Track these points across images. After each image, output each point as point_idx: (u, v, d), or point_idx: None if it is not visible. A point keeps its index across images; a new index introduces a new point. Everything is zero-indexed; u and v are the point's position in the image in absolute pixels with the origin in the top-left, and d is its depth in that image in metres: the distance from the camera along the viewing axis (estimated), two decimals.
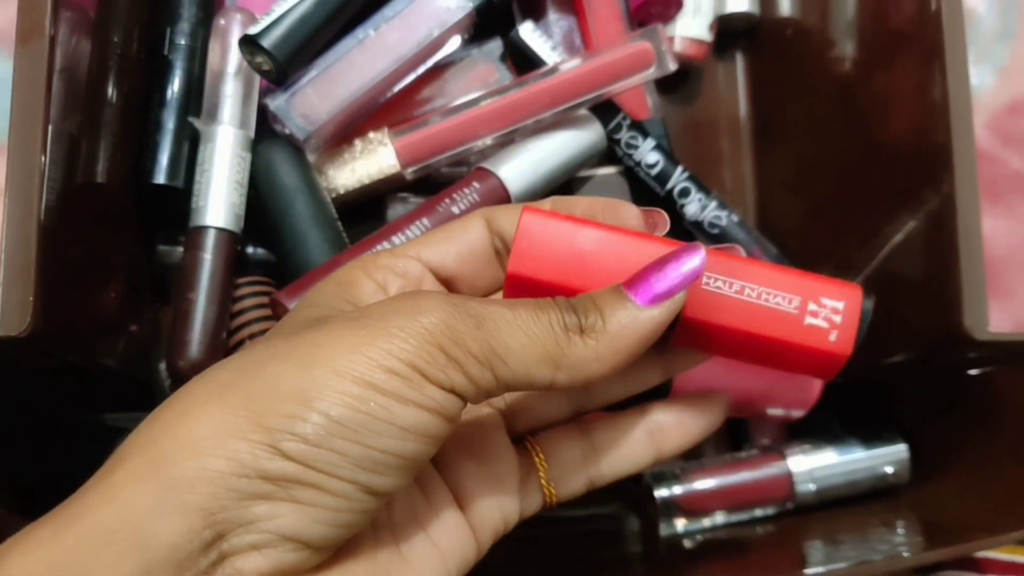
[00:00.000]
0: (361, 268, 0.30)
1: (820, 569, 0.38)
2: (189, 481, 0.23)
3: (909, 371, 0.44)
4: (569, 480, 0.31)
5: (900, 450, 0.44)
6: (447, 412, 0.25)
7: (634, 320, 0.26)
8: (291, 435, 0.23)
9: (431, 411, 0.24)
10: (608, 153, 0.47)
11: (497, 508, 0.30)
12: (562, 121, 0.45)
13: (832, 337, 0.27)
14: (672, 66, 0.43)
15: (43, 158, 0.34)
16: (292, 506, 0.24)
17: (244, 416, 0.23)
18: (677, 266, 0.26)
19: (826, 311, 0.27)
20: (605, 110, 0.46)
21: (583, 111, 0.46)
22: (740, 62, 0.54)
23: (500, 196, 0.42)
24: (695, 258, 0.26)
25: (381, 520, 0.28)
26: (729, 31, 0.53)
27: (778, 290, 0.27)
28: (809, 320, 0.27)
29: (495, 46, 0.47)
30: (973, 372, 0.41)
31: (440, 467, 0.30)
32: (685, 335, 0.28)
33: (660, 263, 0.26)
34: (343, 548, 0.26)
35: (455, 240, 0.30)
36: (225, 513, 0.23)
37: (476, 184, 0.42)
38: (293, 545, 0.24)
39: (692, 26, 0.50)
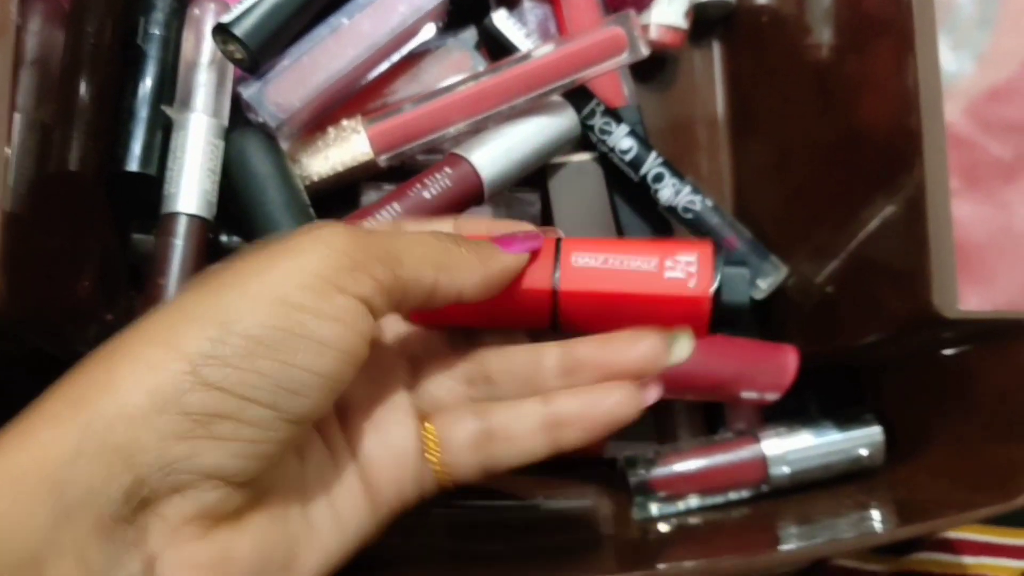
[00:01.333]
0: None
1: (793, 547, 0.38)
2: (107, 421, 0.23)
3: (885, 353, 0.44)
4: (462, 465, 0.31)
5: (875, 432, 0.44)
6: (358, 324, 0.26)
7: (499, 256, 0.31)
8: (212, 358, 0.24)
9: (344, 323, 0.26)
10: (582, 140, 0.47)
11: (396, 485, 0.31)
12: (535, 108, 0.45)
13: (691, 284, 0.31)
14: (645, 51, 0.43)
15: (6, 148, 0.34)
16: (211, 443, 0.24)
17: (163, 346, 0.24)
18: (525, 237, 0.32)
19: (681, 265, 0.31)
20: (579, 96, 0.46)
21: (556, 98, 0.46)
22: (716, 50, 0.54)
23: (472, 182, 0.43)
24: (537, 239, 0.32)
25: (291, 481, 0.28)
26: (705, 19, 0.53)
27: (637, 255, 0.31)
28: (668, 274, 0.31)
29: (470, 35, 0.48)
30: (947, 352, 0.41)
31: (348, 438, 0.31)
32: (569, 314, 0.32)
33: (515, 234, 0.32)
34: (256, 504, 0.26)
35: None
36: (144, 455, 0.23)
37: (448, 170, 0.43)
38: (214, 483, 0.24)
39: (668, 13, 0.50)
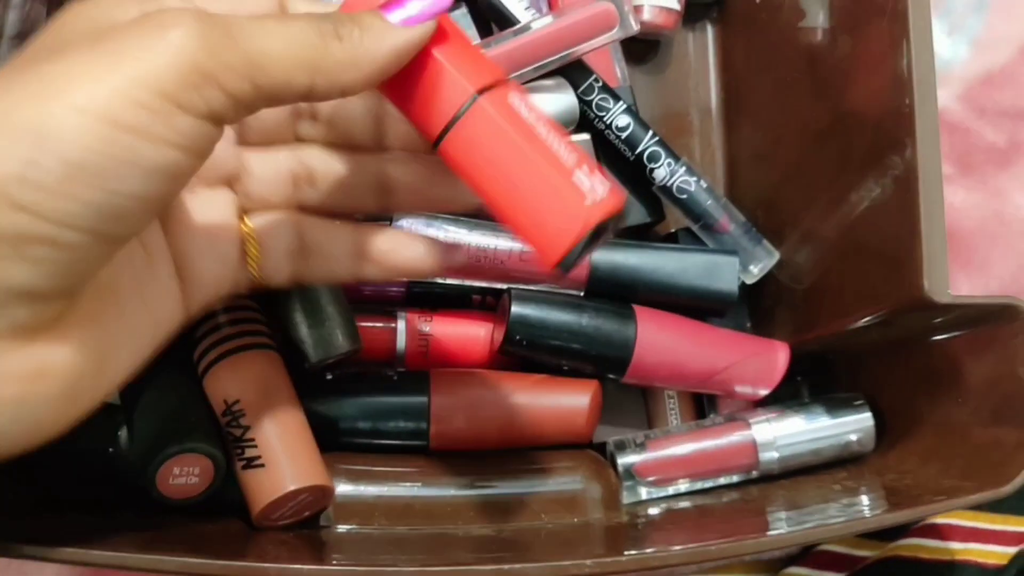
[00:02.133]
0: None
1: (782, 531, 0.38)
2: None
3: (875, 338, 0.44)
4: (276, 272, 0.33)
5: (865, 418, 0.44)
6: (198, 146, 0.24)
7: (389, 33, 0.26)
8: (22, 181, 0.22)
9: (181, 148, 0.23)
10: (578, 122, 0.47)
11: (213, 286, 0.31)
12: (535, 87, 0.45)
13: (588, 201, 0.27)
14: (635, 27, 0.43)
15: None
16: (22, 263, 0.22)
17: None
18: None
19: (593, 183, 0.28)
20: (577, 71, 0.46)
21: (558, 78, 0.45)
22: (710, 32, 0.54)
23: None
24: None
25: (105, 286, 0.27)
26: (699, 1, 0.53)
27: (565, 147, 0.28)
28: (577, 177, 0.28)
29: (460, 13, 0.47)
30: (938, 338, 0.41)
31: (168, 238, 0.30)
32: (457, 143, 0.28)
33: None
34: (70, 313, 0.25)
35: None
36: None
37: None
38: (26, 300, 0.23)
39: None
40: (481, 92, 0.28)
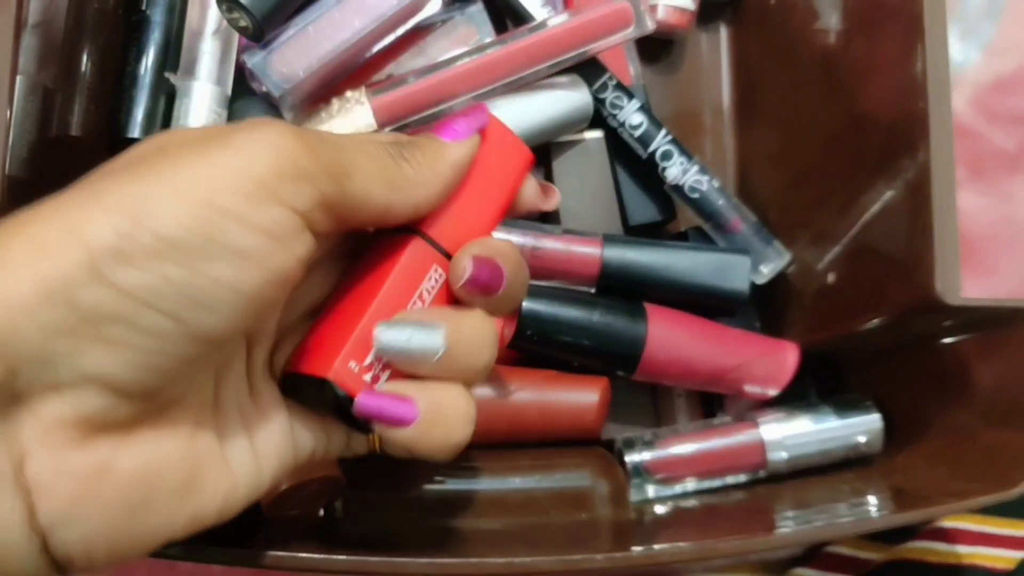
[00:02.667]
0: None
1: (789, 530, 0.38)
2: None
3: (885, 340, 0.44)
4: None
5: (874, 420, 0.44)
6: (292, 242, 0.24)
7: (445, 150, 0.29)
8: (114, 253, 0.21)
9: (276, 238, 0.23)
10: (592, 120, 0.47)
11: (324, 441, 0.30)
12: (549, 83, 0.45)
13: (330, 372, 0.27)
14: (651, 25, 0.43)
15: (8, 112, 0.34)
16: (99, 344, 0.22)
17: (64, 230, 0.22)
18: (468, 115, 0.30)
19: (361, 371, 0.28)
20: (592, 69, 0.46)
21: (571, 75, 0.46)
22: (724, 33, 0.54)
23: None
24: (482, 111, 0.31)
25: (203, 402, 0.26)
26: (713, 1, 0.53)
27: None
28: (354, 350, 0.28)
29: (476, 9, 0.47)
30: (947, 341, 0.41)
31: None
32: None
33: (456, 115, 0.30)
34: (154, 418, 0.24)
35: None
36: (21, 344, 0.21)
37: None
38: (97, 388, 0.22)
39: None
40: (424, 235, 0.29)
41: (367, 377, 0.28)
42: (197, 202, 0.22)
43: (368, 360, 0.28)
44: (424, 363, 0.28)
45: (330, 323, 0.29)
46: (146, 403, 0.24)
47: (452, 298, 0.30)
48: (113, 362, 0.22)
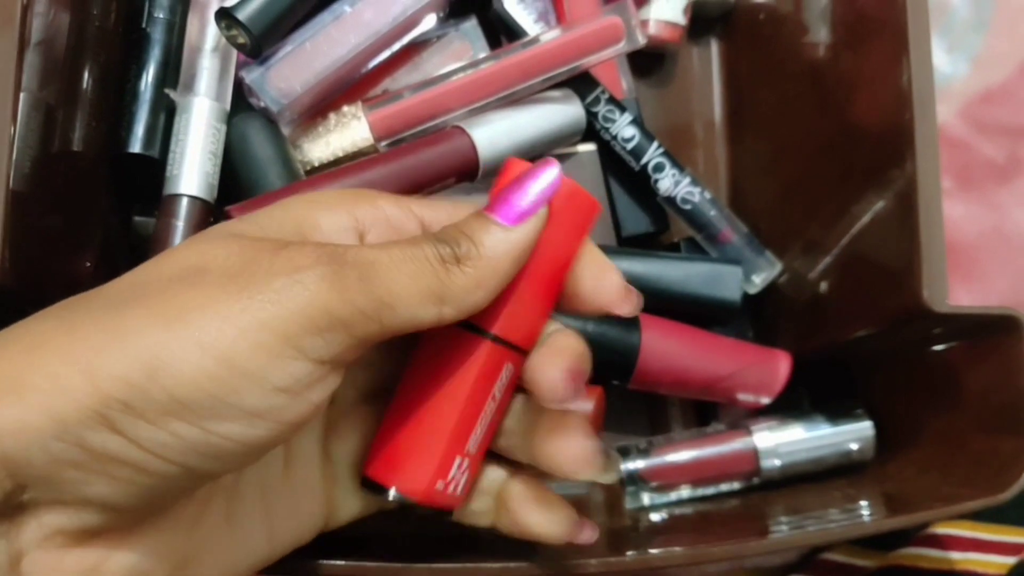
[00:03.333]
0: (338, 201, 0.27)
1: (782, 534, 0.38)
2: (1, 429, 0.21)
3: (875, 348, 0.44)
4: None
5: (866, 427, 0.44)
6: (310, 394, 0.23)
7: (505, 241, 0.25)
8: (126, 407, 0.21)
9: (292, 394, 0.23)
10: (584, 133, 0.48)
11: (353, 508, 0.30)
12: (543, 97, 0.45)
13: (438, 484, 0.28)
14: (642, 40, 0.44)
15: (12, 129, 0.34)
16: (106, 478, 0.22)
17: (83, 372, 0.21)
18: (535, 182, 0.26)
19: (457, 478, 0.29)
20: (584, 83, 0.47)
21: (564, 90, 0.46)
22: (714, 47, 0.55)
23: (469, 157, 0.42)
24: (551, 170, 0.26)
25: (217, 488, 0.26)
26: (704, 16, 0.54)
27: (479, 435, 0.29)
28: (448, 460, 0.28)
29: (471, 26, 0.48)
30: (937, 348, 0.42)
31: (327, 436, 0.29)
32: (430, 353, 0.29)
33: (519, 182, 0.26)
34: (163, 515, 0.24)
35: (461, 212, 0.27)
36: (30, 470, 0.21)
37: (447, 141, 0.42)
38: (101, 508, 0.22)
39: (667, 9, 0.51)
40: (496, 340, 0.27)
41: (450, 490, 0.28)
42: (217, 359, 0.22)
43: (451, 475, 0.28)
44: None
45: (408, 432, 0.28)
46: (148, 512, 0.24)
47: (517, 385, 0.28)
48: (117, 492, 0.22)
